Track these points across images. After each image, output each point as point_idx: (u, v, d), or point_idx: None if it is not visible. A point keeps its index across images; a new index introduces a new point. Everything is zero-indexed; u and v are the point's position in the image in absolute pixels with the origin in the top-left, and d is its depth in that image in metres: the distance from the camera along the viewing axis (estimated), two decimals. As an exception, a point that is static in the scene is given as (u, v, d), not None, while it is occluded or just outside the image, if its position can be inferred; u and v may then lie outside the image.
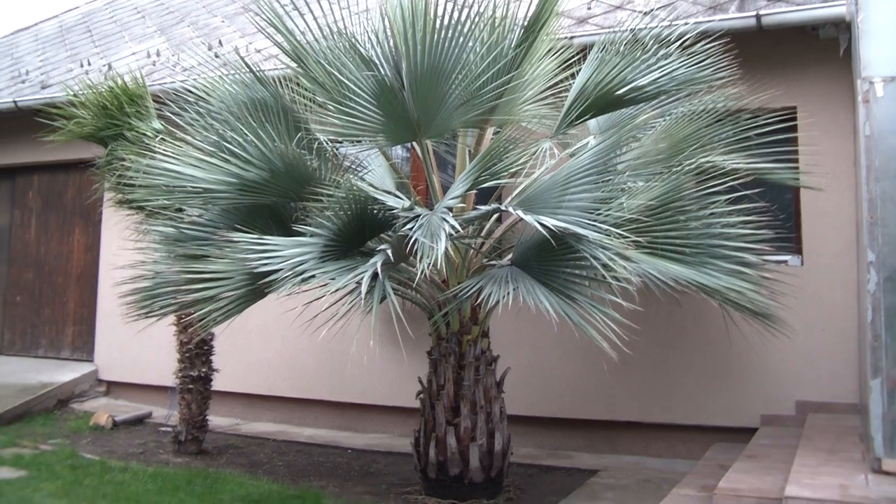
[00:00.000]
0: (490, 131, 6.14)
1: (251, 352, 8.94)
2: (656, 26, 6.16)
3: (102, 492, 6.08)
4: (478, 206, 5.65)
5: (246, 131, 5.48)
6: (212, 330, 6.66)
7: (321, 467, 7.07)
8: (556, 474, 6.75)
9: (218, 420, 8.44)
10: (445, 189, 5.66)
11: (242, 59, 6.24)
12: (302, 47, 5.65)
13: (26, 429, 8.47)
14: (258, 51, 9.19)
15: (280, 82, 6.21)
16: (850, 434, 5.75)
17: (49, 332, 10.98)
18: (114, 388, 10.17)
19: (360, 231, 5.39)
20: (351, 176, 5.93)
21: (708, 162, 5.93)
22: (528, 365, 7.52)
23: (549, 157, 5.84)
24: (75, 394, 9.81)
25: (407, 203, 5.14)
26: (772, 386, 6.90)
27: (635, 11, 7.46)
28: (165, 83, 8.74)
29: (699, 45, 5.96)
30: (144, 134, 6.99)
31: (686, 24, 6.25)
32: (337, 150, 6.15)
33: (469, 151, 6.15)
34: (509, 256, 5.70)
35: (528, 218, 4.84)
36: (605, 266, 4.71)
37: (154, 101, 7.30)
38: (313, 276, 4.83)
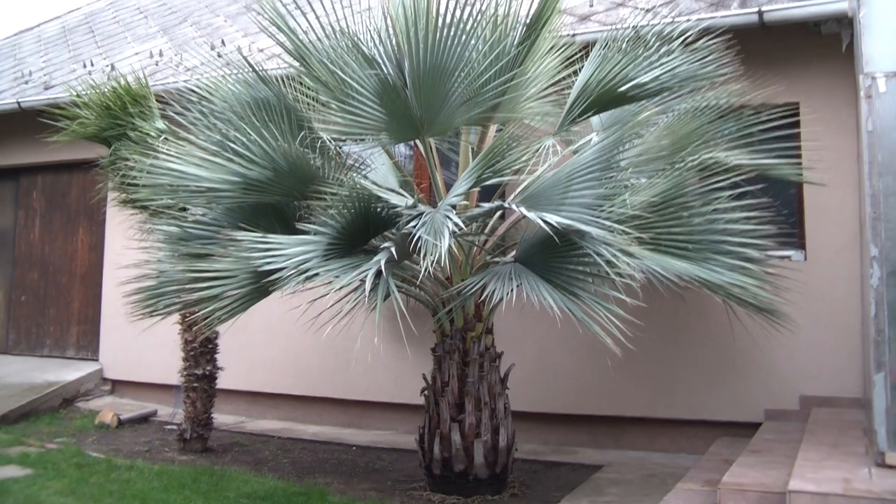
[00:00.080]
0: (493, 129, 6.15)
1: (256, 350, 8.96)
2: (658, 23, 6.16)
3: (108, 490, 6.10)
4: (481, 204, 5.65)
5: (249, 130, 5.49)
6: (216, 328, 6.68)
7: (326, 464, 7.09)
8: (560, 470, 6.76)
9: (223, 418, 8.47)
10: (449, 187, 5.67)
11: (245, 58, 6.25)
12: (304, 46, 5.66)
13: (32, 428, 8.49)
14: (261, 50, 9.21)
15: (283, 81, 6.22)
16: (853, 428, 5.76)
17: (54, 332, 11.00)
18: (119, 386, 10.19)
19: (363, 229, 5.40)
20: (354, 174, 5.95)
21: (711, 158, 5.93)
22: (533, 361, 7.54)
23: (552, 154, 5.86)
24: (80, 393, 9.84)
25: (410, 201, 5.16)
26: (775, 381, 6.91)
27: (637, 8, 7.47)
28: (168, 83, 8.77)
29: (701, 41, 5.96)
30: (148, 134, 7.00)
31: (688, 20, 6.25)
32: (340, 148, 6.17)
33: (472, 149, 6.17)
34: (513, 253, 5.72)
35: (532, 215, 4.85)
36: (608, 262, 4.72)
37: (157, 100, 7.32)
38: (317, 274, 4.85)
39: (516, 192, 5.70)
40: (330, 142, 5.93)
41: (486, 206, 5.38)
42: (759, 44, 6.82)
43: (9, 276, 11.47)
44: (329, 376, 8.57)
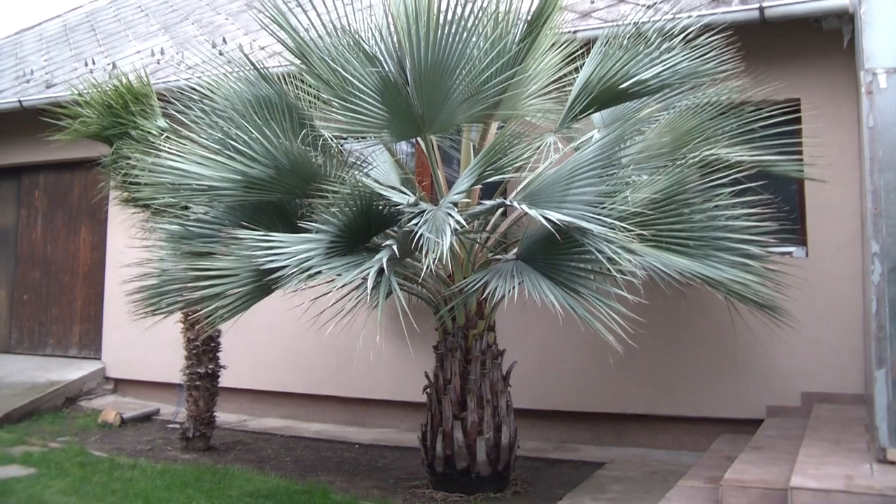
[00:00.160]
0: (494, 126, 6.15)
1: (258, 348, 8.97)
2: (659, 19, 6.16)
3: (111, 489, 6.11)
4: (483, 201, 5.66)
5: (251, 128, 5.50)
6: (218, 327, 6.68)
7: (329, 462, 7.10)
8: (562, 467, 6.77)
9: (225, 416, 8.48)
10: (450, 184, 5.68)
11: (246, 56, 6.26)
12: (306, 44, 5.67)
13: (35, 427, 8.50)
14: (262, 48, 9.21)
15: (284, 79, 6.23)
16: (855, 424, 5.76)
17: (56, 331, 11.02)
18: (121, 385, 10.21)
19: (365, 227, 5.41)
20: (356, 172, 5.96)
21: (712, 155, 5.93)
22: (534, 359, 7.54)
23: (553, 151, 5.86)
24: (83, 392, 9.85)
25: (412, 199, 5.16)
26: (777, 377, 6.92)
27: (638, 5, 7.47)
28: (170, 81, 8.77)
29: (702, 37, 5.97)
30: (149, 132, 7.01)
31: (689, 17, 6.26)
32: (342, 146, 6.17)
33: (473, 146, 6.17)
34: (514, 251, 5.72)
35: (533, 212, 4.85)
36: (609, 259, 4.72)
37: (159, 99, 7.33)
38: (319, 273, 4.86)
39: (518, 189, 5.71)
40: (331, 140, 5.94)
41: (488, 203, 5.38)
42: (760, 40, 6.82)
43: (11, 274, 11.49)
44: (331, 374, 8.58)
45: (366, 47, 5.44)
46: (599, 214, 4.88)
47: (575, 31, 6.96)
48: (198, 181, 5.55)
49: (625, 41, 5.96)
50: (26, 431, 8.22)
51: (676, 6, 7.11)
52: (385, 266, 4.72)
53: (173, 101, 6.29)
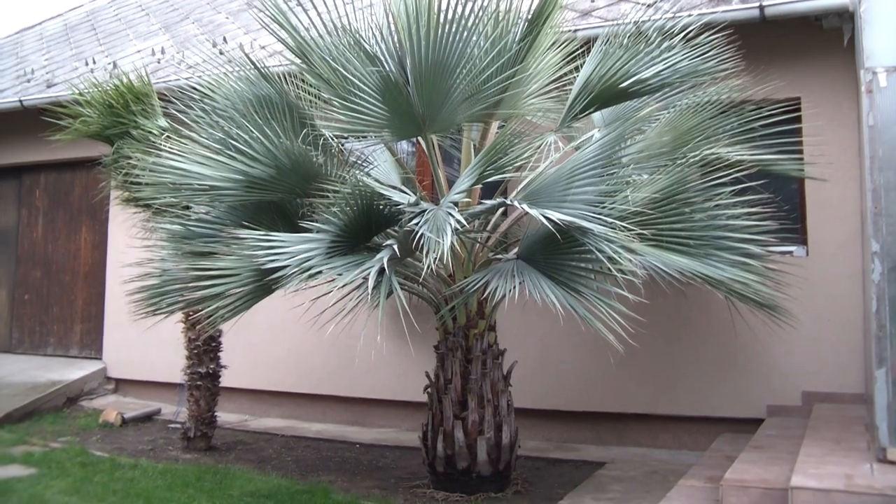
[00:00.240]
0: (495, 125, 6.16)
1: (259, 348, 8.98)
2: (660, 18, 6.16)
3: (112, 488, 6.11)
4: (483, 201, 5.66)
5: (251, 128, 5.50)
6: (219, 327, 6.69)
7: (330, 462, 7.11)
8: (563, 467, 6.77)
9: (226, 416, 8.49)
10: (451, 183, 5.68)
11: (247, 55, 6.26)
12: (306, 43, 5.67)
13: (36, 427, 8.51)
14: (262, 47, 9.21)
15: (285, 79, 6.23)
16: (855, 424, 5.76)
17: (57, 331, 11.02)
18: (122, 385, 10.21)
19: (366, 226, 5.41)
20: (357, 171, 5.96)
21: (712, 154, 5.93)
22: (535, 358, 7.55)
23: (553, 150, 5.86)
24: (84, 391, 9.86)
25: (413, 198, 5.16)
26: (778, 377, 6.92)
27: (639, 3, 7.47)
28: (170, 81, 8.77)
29: (702, 36, 5.96)
30: (150, 132, 7.01)
31: (689, 15, 6.26)
32: (342, 145, 6.18)
33: (474, 145, 6.17)
34: (515, 250, 5.72)
35: (534, 212, 4.85)
36: (610, 259, 4.73)
37: (159, 98, 7.33)
38: (320, 272, 4.86)
39: (518, 188, 5.71)
40: (332, 139, 5.94)
41: (489, 203, 5.39)
42: (760, 39, 6.82)
43: (12, 274, 11.49)
44: (332, 374, 8.58)
45: (366, 46, 5.44)
46: (600, 214, 4.88)
47: (575, 30, 6.96)
48: (199, 181, 5.55)
49: (625, 40, 5.96)
50: (27, 431, 8.22)
51: (677, 5, 7.11)
52: (386, 266, 4.72)
53: (174, 100, 6.29)
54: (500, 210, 5.98)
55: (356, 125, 5.61)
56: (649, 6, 7.16)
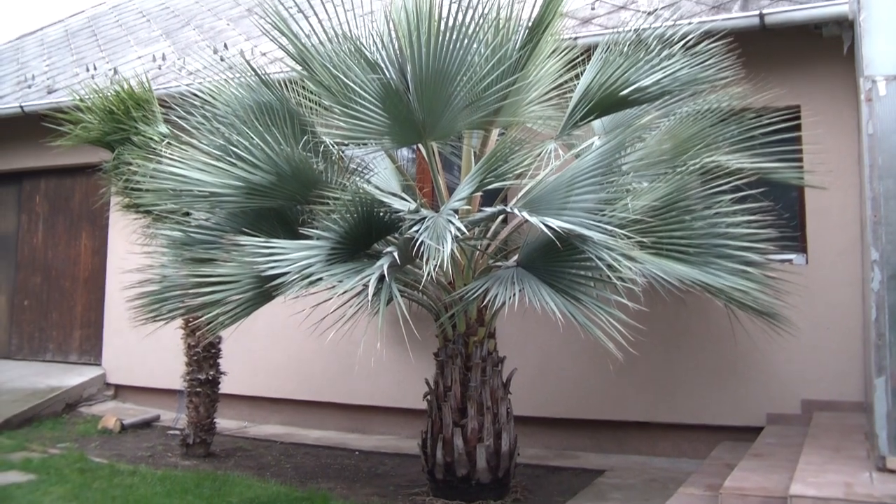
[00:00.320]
0: (495, 133, 6.17)
1: (259, 355, 8.97)
2: (660, 26, 6.17)
3: (111, 495, 6.11)
4: (483, 208, 5.67)
5: (252, 135, 5.51)
6: (219, 333, 6.69)
7: (329, 469, 7.10)
8: (563, 474, 6.77)
9: (226, 423, 8.48)
10: (451, 190, 5.69)
11: (248, 62, 6.27)
12: (307, 50, 5.68)
13: (35, 433, 8.51)
14: (263, 54, 9.23)
15: (285, 85, 6.24)
16: (855, 432, 5.76)
17: (57, 337, 11.02)
18: (122, 391, 10.20)
19: (366, 233, 5.42)
20: (357, 179, 5.97)
21: (712, 162, 5.94)
22: (535, 366, 7.54)
23: (554, 158, 5.87)
24: (83, 398, 9.85)
25: (413, 205, 5.17)
26: (777, 385, 6.92)
27: (639, 11, 7.49)
28: (171, 87, 8.78)
29: (703, 44, 5.97)
30: (151, 138, 7.02)
31: (689, 23, 6.27)
32: (343, 152, 6.18)
33: (474, 153, 6.18)
34: (515, 258, 5.72)
35: (534, 219, 4.86)
36: (609, 267, 4.73)
37: (160, 105, 7.34)
38: (320, 279, 4.86)
39: (518, 196, 5.71)
40: (332, 146, 5.95)
41: (489, 210, 5.39)
42: (760, 47, 6.84)
43: (11, 280, 11.49)
44: (332, 381, 8.58)
45: (367, 54, 5.44)
46: (600, 222, 4.88)
47: (576, 38, 6.98)
48: (199, 187, 5.55)
49: (625, 48, 5.97)
50: (26, 437, 8.22)
51: (677, 13, 7.13)
52: (386, 273, 4.73)
53: (175, 106, 6.30)
54: (500, 217, 5.99)
55: (357, 132, 5.62)
56: (649, 14, 7.18)
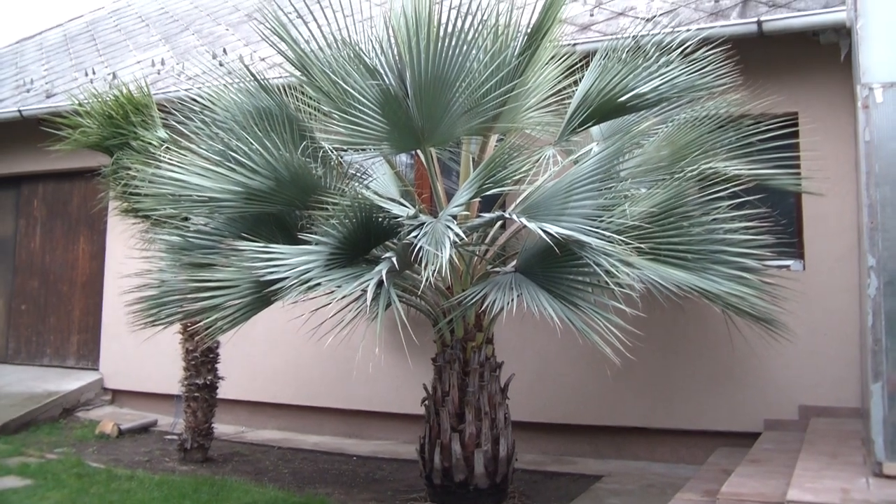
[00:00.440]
0: (494, 139, 6.18)
1: (257, 360, 8.97)
2: (658, 33, 6.20)
3: (109, 500, 6.11)
4: (482, 214, 5.67)
5: (251, 140, 5.52)
6: (218, 338, 6.69)
7: (326, 474, 7.10)
8: (560, 480, 6.77)
9: (223, 428, 8.47)
10: (449, 196, 5.69)
11: (247, 67, 6.29)
12: (306, 56, 5.69)
13: (32, 437, 8.50)
14: (262, 59, 9.24)
15: (285, 91, 6.25)
16: (852, 438, 5.78)
17: (54, 341, 11.01)
18: (119, 396, 10.20)
19: (365, 239, 5.42)
20: (356, 184, 5.98)
21: (710, 168, 5.95)
22: (533, 371, 7.55)
23: (552, 164, 5.88)
24: (80, 402, 9.84)
25: (411, 211, 5.17)
26: (774, 390, 6.93)
27: (637, 18, 7.51)
28: (170, 92, 8.80)
29: (701, 51, 6.00)
30: (150, 143, 7.03)
31: (688, 30, 6.29)
32: (342, 158, 6.19)
33: (473, 159, 6.19)
34: (513, 263, 5.74)
35: (532, 225, 4.87)
36: (607, 272, 4.74)
37: (159, 109, 7.35)
38: (319, 284, 4.86)
39: (517, 202, 5.73)
40: (331, 151, 5.96)
41: (487, 216, 5.40)
42: (758, 54, 6.86)
43: (9, 284, 11.49)
44: (330, 386, 8.58)
45: (366, 60, 5.46)
46: (598, 227, 4.90)
47: (574, 44, 7.00)
48: (198, 192, 5.56)
49: (624, 54, 6.00)
50: (23, 442, 8.21)
51: (675, 20, 7.15)
52: (384, 278, 4.73)
53: (174, 111, 6.31)
54: (499, 223, 5.98)
55: (356, 138, 5.63)
56: (648, 21, 7.20)
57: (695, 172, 5.84)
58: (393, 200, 5.52)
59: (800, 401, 6.83)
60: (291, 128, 5.82)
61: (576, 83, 6.05)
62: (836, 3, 6.56)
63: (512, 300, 5.09)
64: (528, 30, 5.73)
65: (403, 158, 7.91)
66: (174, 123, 6.33)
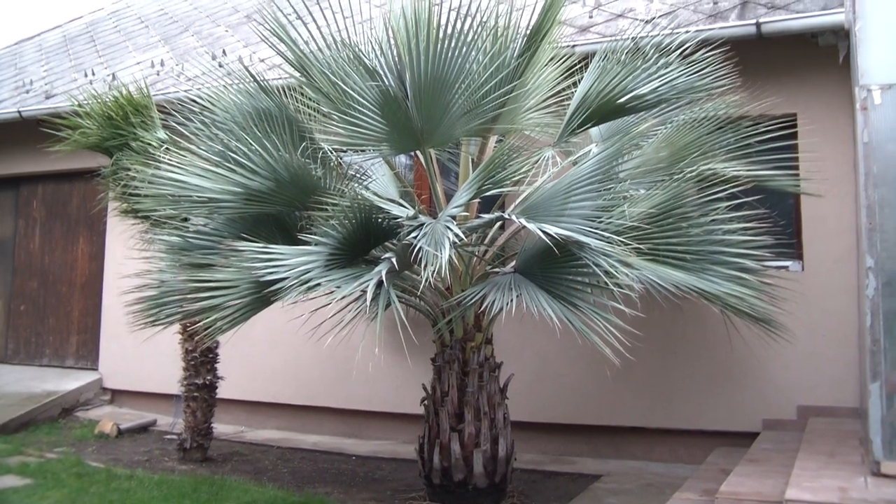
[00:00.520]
0: (493, 140, 6.19)
1: (256, 359, 8.98)
2: (657, 35, 6.21)
3: (108, 499, 6.12)
4: (481, 215, 5.68)
5: (251, 141, 5.53)
6: (217, 338, 6.70)
7: (326, 474, 7.11)
8: (559, 480, 6.78)
9: (223, 427, 8.48)
10: (449, 197, 5.70)
11: (246, 68, 6.29)
12: (306, 57, 5.70)
13: (31, 437, 8.50)
14: (262, 60, 9.25)
15: (284, 92, 6.26)
16: (850, 438, 5.79)
17: (53, 341, 11.02)
18: (118, 396, 10.20)
19: (364, 239, 5.43)
20: (355, 185, 5.99)
21: (709, 169, 5.97)
22: (532, 371, 7.56)
23: (551, 165, 5.89)
24: (80, 402, 9.85)
25: (411, 212, 5.18)
26: (773, 391, 6.94)
27: (636, 20, 7.53)
28: (170, 93, 8.81)
29: (700, 53, 6.01)
30: (149, 144, 7.04)
31: (687, 32, 6.30)
32: (341, 159, 6.20)
33: (472, 160, 6.20)
34: (512, 264, 5.75)
35: (531, 226, 4.88)
36: (606, 273, 4.75)
37: (159, 110, 7.36)
38: (319, 285, 4.87)
39: (516, 202, 5.74)
40: (331, 152, 5.97)
41: (486, 217, 5.41)
42: (757, 55, 6.88)
43: (8, 285, 11.49)
44: (329, 386, 8.59)
45: (366, 61, 5.47)
46: (597, 228, 4.91)
47: (573, 46, 7.02)
48: (198, 193, 5.57)
49: (623, 56, 6.00)
50: (23, 442, 8.22)
51: (674, 21, 7.17)
52: (384, 278, 4.74)
53: (173, 112, 6.32)
54: (498, 224, 6.00)
55: (355, 139, 5.64)
56: (647, 23, 7.21)
57: (694, 173, 5.85)
58: (392, 201, 5.53)
59: (798, 401, 6.85)
60: (291, 129, 5.84)
61: (575, 84, 6.06)
62: (834, 6, 6.58)
63: (511, 300, 5.10)
64: (528, 31, 5.75)
65: (403, 159, 7.92)
66: (174, 124, 6.34)
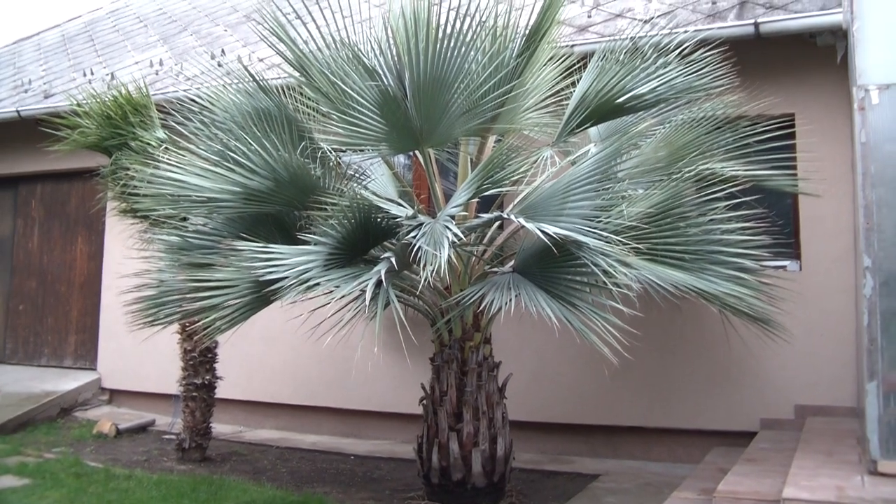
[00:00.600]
0: (492, 139, 6.19)
1: (255, 359, 8.99)
2: (656, 34, 6.21)
3: (107, 499, 6.12)
4: (480, 214, 5.69)
5: (250, 140, 5.53)
6: (216, 338, 6.70)
7: (324, 474, 7.12)
8: (557, 479, 6.79)
9: (221, 427, 8.48)
10: (448, 197, 5.71)
11: (245, 68, 6.29)
12: (305, 56, 5.70)
13: (30, 437, 8.50)
14: (261, 60, 9.26)
15: (283, 91, 6.26)
16: (848, 437, 5.80)
17: (52, 341, 11.01)
18: (117, 396, 10.20)
19: (363, 239, 5.44)
20: (354, 185, 5.99)
21: (707, 169, 5.97)
22: (530, 371, 7.57)
23: (550, 164, 5.90)
24: (78, 402, 9.85)
25: (410, 211, 5.19)
26: (771, 390, 6.95)
27: (635, 20, 7.53)
28: (169, 92, 8.81)
29: (698, 53, 6.01)
30: (149, 143, 7.04)
31: (685, 32, 6.30)
32: (340, 158, 6.20)
33: (471, 160, 6.20)
34: (511, 263, 5.75)
35: (530, 225, 4.89)
36: (605, 272, 4.75)
37: (158, 110, 7.35)
38: (318, 284, 4.87)
39: (515, 202, 5.74)
40: (330, 152, 5.97)
41: (485, 216, 5.41)
42: (755, 55, 6.89)
43: (7, 284, 11.49)
44: (328, 386, 8.59)
45: (365, 60, 5.47)
46: (595, 228, 4.91)
47: (572, 46, 7.03)
48: (197, 192, 5.57)
49: (621, 56, 6.01)
50: (21, 442, 8.22)
51: (673, 21, 7.18)
52: (383, 278, 4.74)
53: (172, 112, 6.32)
54: (497, 223, 6.00)
55: (354, 138, 5.64)
56: (646, 22, 7.22)
57: (692, 173, 5.86)
58: (391, 201, 5.53)
59: (796, 400, 6.86)
60: (290, 128, 5.84)
61: (574, 84, 6.07)
62: (832, 6, 6.60)
63: (510, 300, 5.11)
64: (527, 31, 5.75)
65: (402, 159, 7.92)
66: (173, 124, 6.34)
